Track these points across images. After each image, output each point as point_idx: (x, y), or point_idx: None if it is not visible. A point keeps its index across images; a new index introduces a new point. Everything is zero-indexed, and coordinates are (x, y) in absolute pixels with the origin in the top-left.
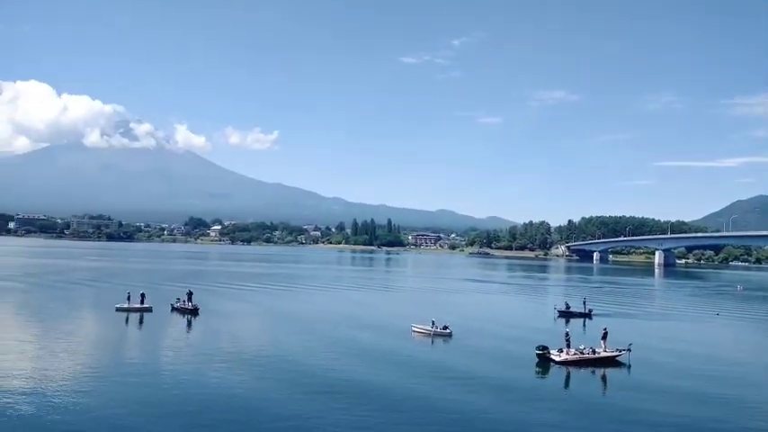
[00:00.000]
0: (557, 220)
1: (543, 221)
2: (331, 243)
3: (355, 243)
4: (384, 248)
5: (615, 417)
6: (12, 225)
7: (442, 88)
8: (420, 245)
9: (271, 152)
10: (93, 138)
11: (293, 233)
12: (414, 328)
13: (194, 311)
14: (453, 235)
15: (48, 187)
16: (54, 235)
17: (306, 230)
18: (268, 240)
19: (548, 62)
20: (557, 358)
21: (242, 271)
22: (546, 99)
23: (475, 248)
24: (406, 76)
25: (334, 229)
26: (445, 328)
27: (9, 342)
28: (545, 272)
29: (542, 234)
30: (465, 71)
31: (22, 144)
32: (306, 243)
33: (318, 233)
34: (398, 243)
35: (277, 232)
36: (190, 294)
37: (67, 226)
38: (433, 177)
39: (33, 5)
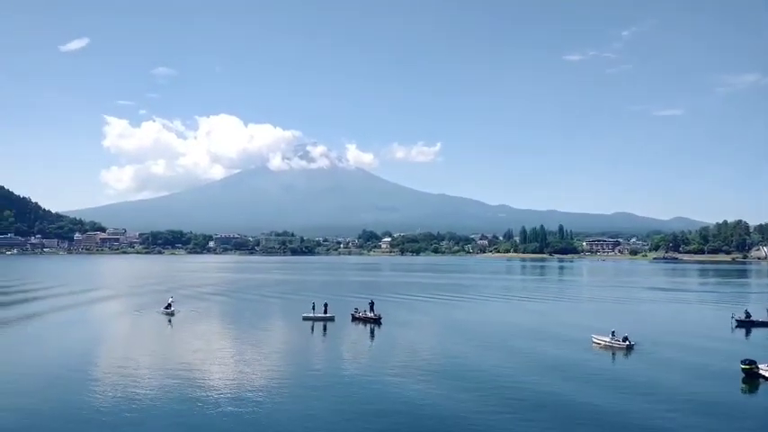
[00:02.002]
0: (756, 218)
1: (740, 220)
2: (499, 252)
3: (524, 251)
4: (556, 256)
5: None
6: (211, 244)
7: (613, 83)
8: (596, 251)
9: (434, 164)
10: (275, 162)
11: (460, 243)
12: (594, 339)
13: (377, 321)
14: (633, 239)
15: (240, 209)
16: (246, 251)
17: (473, 239)
18: (436, 250)
19: (736, 43)
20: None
21: (414, 281)
22: (735, 84)
23: (659, 253)
24: (570, 74)
25: (501, 238)
26: (625, 339)
27: (211, 348)
28: (744, 277)
29: (740, 235)
30: (637, 63)
31: (217, 171)
32: (473, 252)
33: (485, 242)
34: (572, 250)
35: (444, 242)
36: (372, 304)
37: (257, 243)
38: (607, 178)
39: (222, 49)
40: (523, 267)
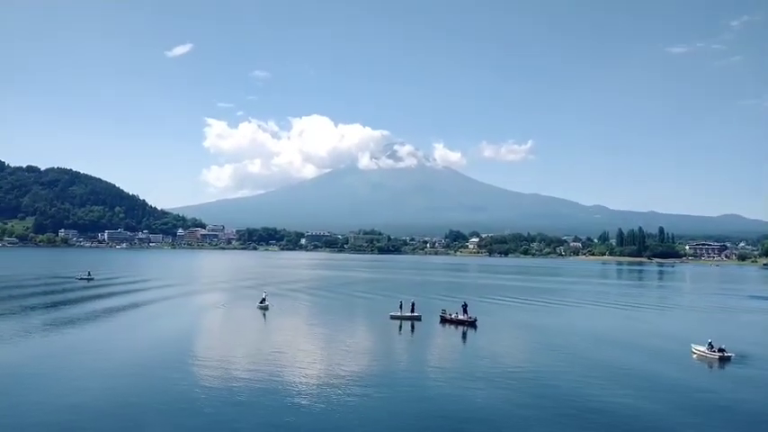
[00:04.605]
0: None
1: None
2: (593, 254)
3: (621, 254)
4: (655, 260)
5: None
6: (303, 241)
7: (721, 76)
8: (700, 256)
9: (525, 162)
10: (364, 161)
11: (551, 244)
12: (693, 349)
13: (472, 323)
14: (742, 243)
15: (330, 207)
16: (336, 249)
17: (565, 241)
18: (525, 252)
19: None
20: None
21: (502, 283)
22: None
23: None
24: (675, 67)
25: (596, 240)
26: (721, 350)
27: (302, 343)
28: None
29: None
30: (748, 54)
31: (309, 171)
32: (565, 255)
33: (579, 244)
34: (673, 254)
35: (534, 244)
36: (465, 306)
37: (346, 241)
38: (712, 177)
39: (314, 52)
40: (620, 271)
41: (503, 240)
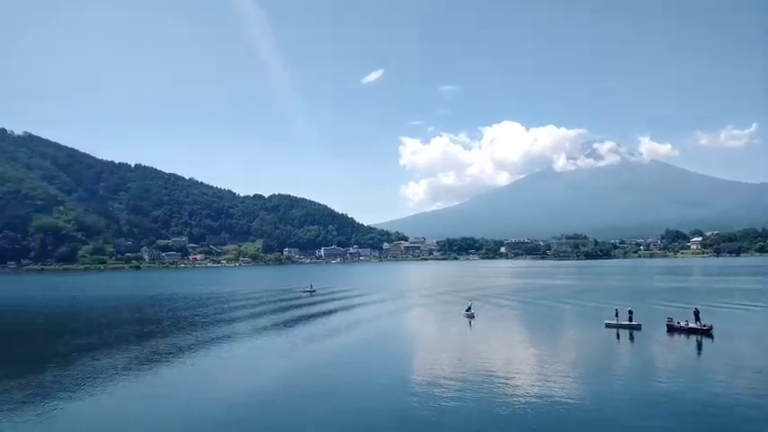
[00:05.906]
0: None
1: None
2: None
3: None
4: None
5: None
6: (503, 249)
7: None
8: None
9: (750, 148)
10: (560, 163)
11: None
12: None
13: (707, 332)
14: None
15: (527, 213)
16: (538, 256)
17: None
18: (762, 250)
19: None
20: None
21: (739, 287)
22: None
23: None
24: None
25: None
26: None
27: (511, 351)
28: None
29: None
30: None
31: (503, 178)
32: None
33: None
34: None
35: None
36: (697, 313)
37: (548, 247)
38: None
39: (500, 61)
40: None
41: (733, 238)
